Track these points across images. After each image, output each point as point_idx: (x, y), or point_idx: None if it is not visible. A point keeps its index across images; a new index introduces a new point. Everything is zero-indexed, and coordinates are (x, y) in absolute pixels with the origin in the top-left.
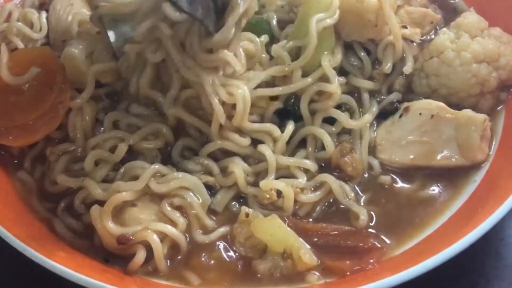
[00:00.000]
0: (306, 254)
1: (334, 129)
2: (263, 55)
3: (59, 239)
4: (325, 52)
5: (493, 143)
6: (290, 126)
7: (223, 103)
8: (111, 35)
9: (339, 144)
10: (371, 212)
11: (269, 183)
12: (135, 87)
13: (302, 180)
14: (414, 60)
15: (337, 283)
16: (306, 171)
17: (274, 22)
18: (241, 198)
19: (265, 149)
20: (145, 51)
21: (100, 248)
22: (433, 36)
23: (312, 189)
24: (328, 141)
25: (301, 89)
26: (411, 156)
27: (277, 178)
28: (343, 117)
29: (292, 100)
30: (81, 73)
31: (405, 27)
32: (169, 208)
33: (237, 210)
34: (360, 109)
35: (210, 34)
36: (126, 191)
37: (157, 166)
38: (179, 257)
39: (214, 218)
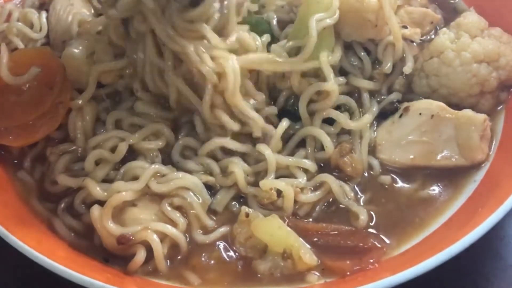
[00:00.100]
0: (306, 254)
1: (333, 129)
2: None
3: (59, 239)
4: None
5: (493, 143)
6: (284, 123)
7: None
8: None
9: (339, 144)
10: (371, 212)
11: (269, 183)
12: (142, 62)
13: (302, 180)
14: (414, 60)
15: (337, 283)
16: (305, 171)
17: (274, 22)
18: (241, 198)
19: (264, 148)
20: (133, 21)
21: (100, 248)
22: (433, 36)
23: (312, 189)
24: (327, 141)
25: (290, 71)
26: (411, 156)
27: (277, 178)
28: (342, 118)
29: (292, 101)
30: (81, 73)
31: (405, 27)
32: (169, 208)
33: (237, 210)
34: (360, 109)
35: (190, 7)
36: (126, 191)
37: (157, 166)
38: (179, 257)
39: (214, 218)
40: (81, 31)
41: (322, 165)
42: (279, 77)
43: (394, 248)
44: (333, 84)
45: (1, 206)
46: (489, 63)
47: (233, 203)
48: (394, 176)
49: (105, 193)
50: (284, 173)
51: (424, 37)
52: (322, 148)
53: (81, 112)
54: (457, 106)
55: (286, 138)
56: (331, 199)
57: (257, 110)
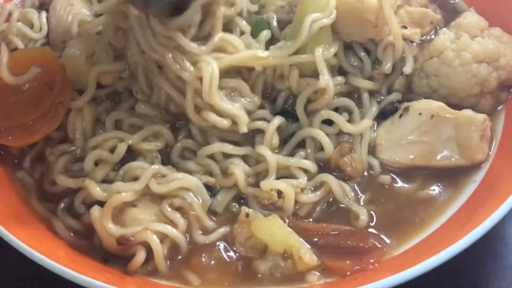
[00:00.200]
0: (306, 254)
1: (332, 129)
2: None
3: (59, 239)
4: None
5: (493, 143)
6: (276, 121)
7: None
8: None
9: (339, 144)
10: (371, 212)
11: (270, 184)
12: (134, 63)
13: (303, 180)
14: (414, 60)
15: (337, 283)
16: (306, 171)
17: (274, 22)
18: (241, 199)
19: (264, 150)
20: (116, 18)
21: (100, 248)
22: (433, 36)
23: (312, 189)
24: (326, 142)
25: (281, 66)
26: (411, 156)
27: (277, 178)
28: (341, 121)
29: (291, 101)
30: (81, 74)
31: (405, 27)
32: (169, 209)
33: (237, 211)
34: (360, 109)
35: (172, 16)
36: (126, 191)
37: (157, 167)
38: (179, 257)
39: (214, 219)
40: (81, 31)
41: (322, 165)
42: (277, 78)
43: (394, 248)
44: (327, 79)
45: (1, 206)
46: (489, 63)
47: (233, 203)
48: (394, 176)
49: (105, 194)
50: (284, 173)
51: (424, 37)
52: (322, 148)
53: (80, 113)
54: (457, 106)
55: (285, 138)
56: (331, 199)
57: (249, 112)
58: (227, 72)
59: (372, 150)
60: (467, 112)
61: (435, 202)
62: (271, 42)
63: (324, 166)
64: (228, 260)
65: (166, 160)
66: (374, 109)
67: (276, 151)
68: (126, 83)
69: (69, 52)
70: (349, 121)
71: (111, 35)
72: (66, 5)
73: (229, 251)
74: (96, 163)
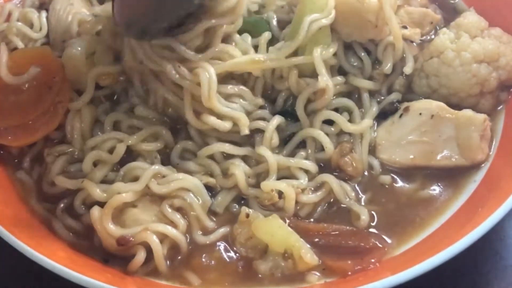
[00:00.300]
0: (307, 254)
1: (333, 129)
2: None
3: (59, 239)
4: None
5: (493, 143)
6: (275, 121)
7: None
8: None
9: (339, 144)
10: (372, 212)
11: (271, 184)
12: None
13: (304, 180)
14: (414, 60)
15: (337, 283)
16: (306, 171)
17: (274, 22)
18: (242, 199)
19: (264, 150)
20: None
21: (100, 249)
22: (433, 36)
23: (313, 189)
24: (327, 142)
25: (279, 67)
26: (411, 156)
27: (278, 179)
28: (342, 121)
29: (291, 101)
30: (80, 74)
31: (405, 27)
32: (169, 210)
33: (237, 211)
34: (360, 109)
35: (171, 33)
36: (126, 192)
37: (157, 167)
38: (179, 258)
39: (214, 219)
40: (81, 31)
41: (322, 165)
42: (277, 78)
43: (395, 248)
44: (326, 80)
45: (1, 206)
46: (489, 63)
47: (233, 204)
48: (394, 176)
49: (105, 194)
50: (285, 174)
51: (424, 37)
52: (322, 148)
53: (79, 114)
54: (457, 106)
55: (285, 138)
56: (332, 199)
57: (248, 112)
58: (226, 78)
59: (372, 150)
60: (467, 112)
61: (435, 202)
62: (271, 42)
63: (325, 166)
64: (228, 260)
65: (166, 161)
66: (374, 109)
67: (276, 151)
68: (124, 85)
69: (69, 52)
70: (349, 121)
71: (108, 39)
72: (66, 5)
73: (229, 251)
74: (95, 164)
